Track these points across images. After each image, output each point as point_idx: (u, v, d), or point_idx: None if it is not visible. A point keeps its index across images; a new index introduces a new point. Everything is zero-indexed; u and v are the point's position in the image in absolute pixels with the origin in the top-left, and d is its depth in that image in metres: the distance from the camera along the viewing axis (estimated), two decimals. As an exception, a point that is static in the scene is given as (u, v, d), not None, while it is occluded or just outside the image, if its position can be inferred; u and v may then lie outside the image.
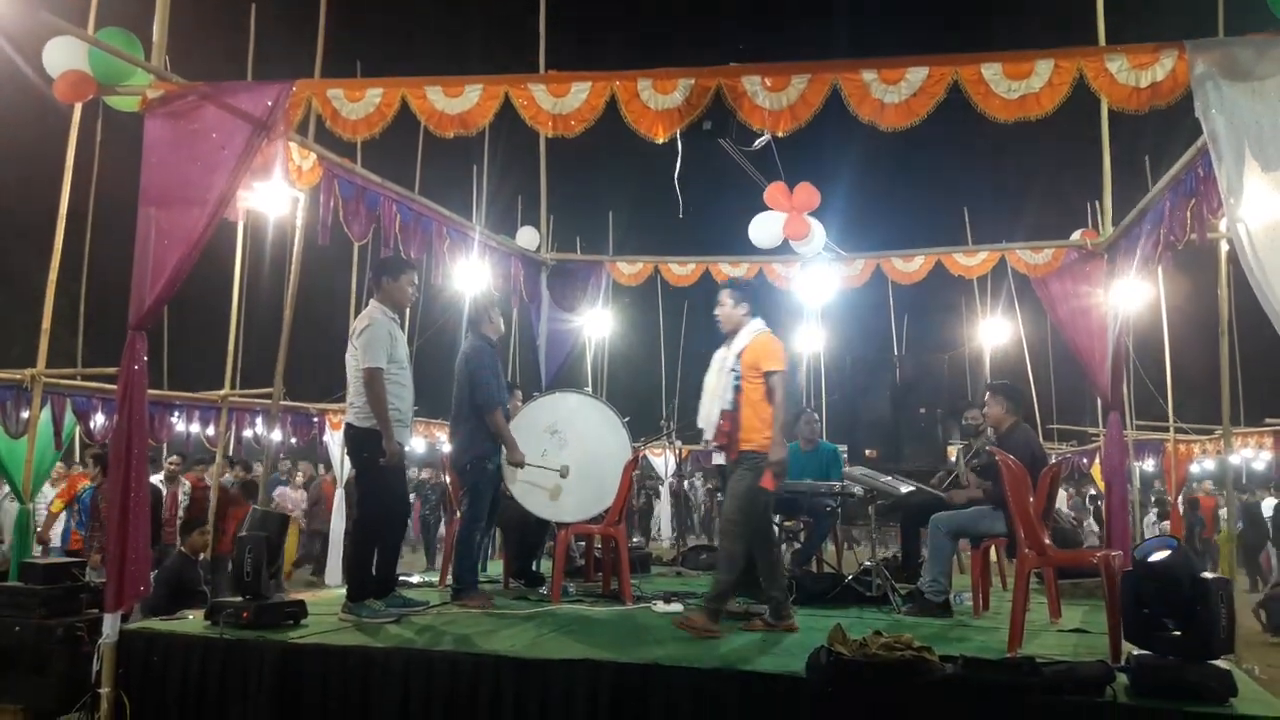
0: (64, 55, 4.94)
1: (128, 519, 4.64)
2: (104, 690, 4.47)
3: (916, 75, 4.33)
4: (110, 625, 4.56)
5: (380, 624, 5.10)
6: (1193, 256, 7.15)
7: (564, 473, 6.24)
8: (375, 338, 5.40)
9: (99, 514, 8.36)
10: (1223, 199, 4.04)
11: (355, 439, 5.48)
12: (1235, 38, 4.16)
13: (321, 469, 15.60)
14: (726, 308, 5.42)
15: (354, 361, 5.43)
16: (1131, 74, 4.15)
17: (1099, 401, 7.37)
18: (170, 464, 10.59)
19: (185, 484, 10.29)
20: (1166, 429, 11.94)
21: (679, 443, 10.64)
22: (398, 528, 5.95)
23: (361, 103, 4.84)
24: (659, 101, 4.58)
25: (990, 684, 3.74)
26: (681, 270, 8.96)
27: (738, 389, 5.16)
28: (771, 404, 5.10)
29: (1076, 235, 7.79)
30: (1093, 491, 17.41)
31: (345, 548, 5.80)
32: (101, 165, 8.84)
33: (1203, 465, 16.23)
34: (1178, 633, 3.76)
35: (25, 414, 8.79)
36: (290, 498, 13.60)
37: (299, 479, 14.69)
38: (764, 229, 7.90)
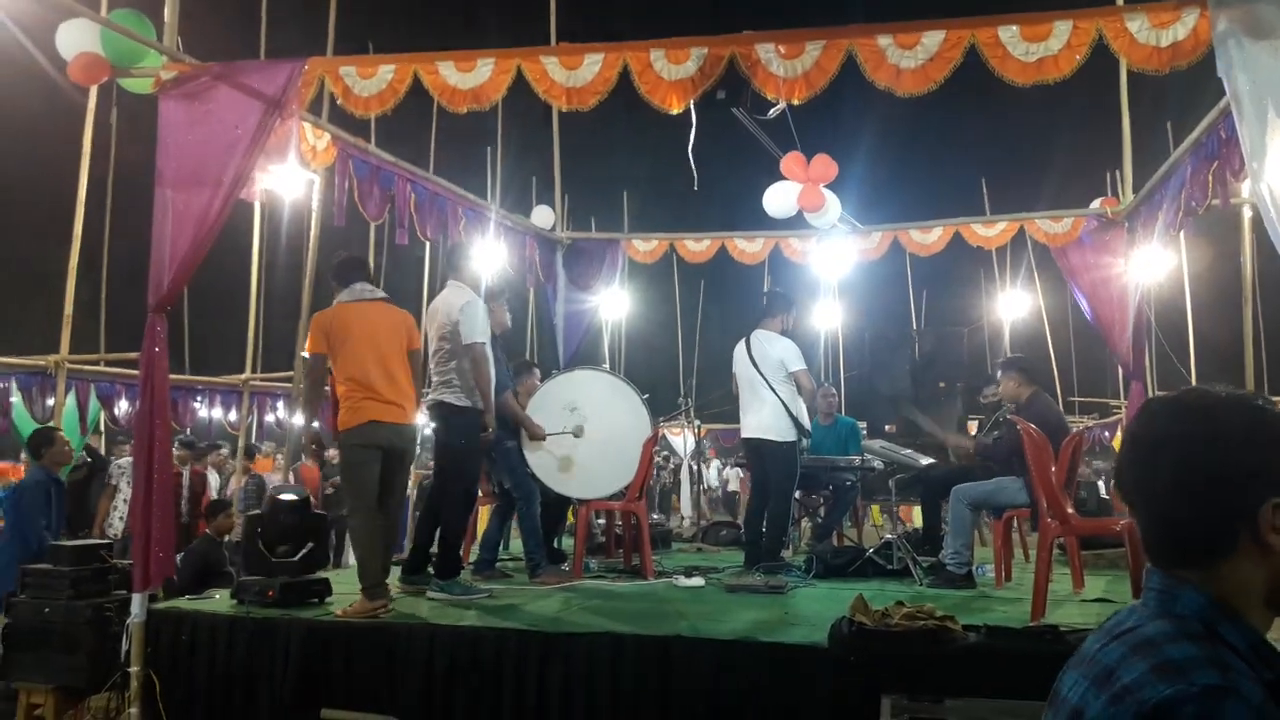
0: (77, 38, 4.97)
1: (152, 500, 4.69)
2: (133, 669, 4.53)
3: (933, 39, 4.28)
4: (138, 605, 4.62)
5: (473, 600, 5.15)
6: (1215, 222, 7.08)
7: (578, 432, 6.28)
8: (478, 313, 5.45)
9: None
10: (1245, 161, 3.98)
11: (451, 417, 5.43)
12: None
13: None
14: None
15: (445, 343, 5.41)
16: (1152, 33, 4.08)
17: (1120, 372, 7.32)
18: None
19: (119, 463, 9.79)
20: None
21: (697, 421, 10.62)
22: (471, 507, 6.05)
23: (374, 79, 4.83)
24: (672, 71, 4.54)
25: (1013, 652, 3.73)
26: (697, 247, 8.94)
27: None
28: None
29: (1096, 204, 7.70)
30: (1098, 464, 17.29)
31: (418, 528, 5.78)
32: (118, 150, 8.89)
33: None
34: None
35: (50, 400, 8.90)
36: (277, 484, 13.38)
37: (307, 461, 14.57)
38: (779, 199, 7.85)
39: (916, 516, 10.88)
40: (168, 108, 4.86)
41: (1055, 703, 1.20)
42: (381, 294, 5.31)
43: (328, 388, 5.20)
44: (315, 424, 6.27)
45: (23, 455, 8.26)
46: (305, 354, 5.71)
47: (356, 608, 4.69)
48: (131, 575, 4.73)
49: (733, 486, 19.03)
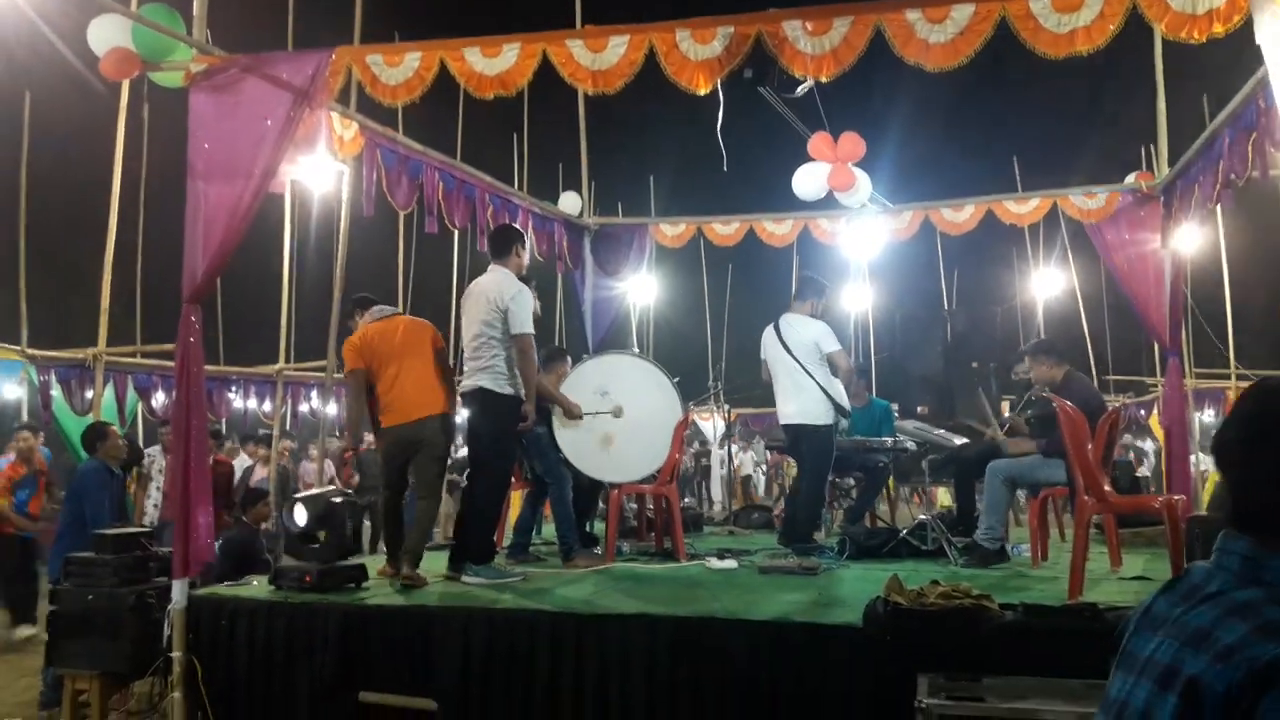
0: (108, 33, 5.01)
1: (190, 489, 4.76)
2: (175, 654, 4.60)
3: (962, 13, 4.21)
4: (179, 591, 4.68)
5: (507, 584, 5.21)
6: (1254, 195, 6.94)
7: (617, 413, 6.29)
8: (528, 303, 5.51)
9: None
10: (1285, 130, 3.90)
11: (491, 403, 5.45)
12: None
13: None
14: None
15: (488, 329, 5.44)
16: (1188, 0, 4.00)
17: (1156, 349, 7.22)
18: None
19: (152, 453, 9.57)
20: (1228, 376, 11.63)
21: (727, 406, 10.61)
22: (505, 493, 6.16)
23: (400, 67, 4.84)
24: (698, 52, 4.51)
25: (1052, 630, 3.69)
26: (725, 230, 8.90)
27: None
28: None
29: (1131, 178, 7.58)
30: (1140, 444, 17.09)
31: (460, 513, 5.84)
32: (150, 144, 8.99)
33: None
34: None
35: (89, 393, 9.05)
36: (310, 471, 13.28)
37: (313, 451, 14.22)
38: (808, 180, 7.80)
39: (943, 497, 10.83)
40: (198, 101, 4.90)
41: (1135, 665, 1.25)
42: (397, 310, 6.04)
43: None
44: (367, 437, 6.40)
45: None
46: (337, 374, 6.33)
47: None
48: (172, 562, 4.80)
49: (746, 471, 18.87)
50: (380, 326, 5.72)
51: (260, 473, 10.49)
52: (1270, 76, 3.91)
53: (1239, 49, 4.07)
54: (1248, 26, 3.93)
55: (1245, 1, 3.93)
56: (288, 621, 4.64)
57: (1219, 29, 4.00)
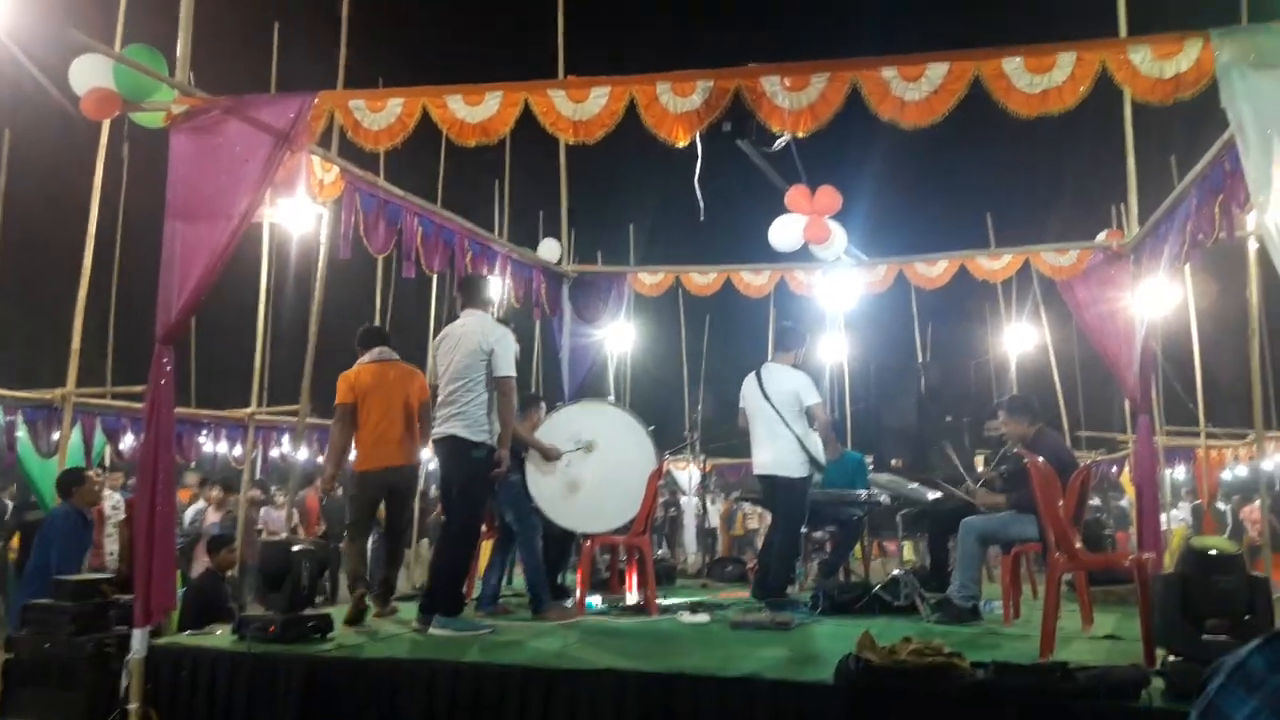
0: (90, 73, 5.01)
1: (154, 535, 4.66)
2: (132, 706, 4.46)
3: (937, 71, 4.30)
4: (139, 641, 4.57)
5: (475, 636, 5.14)
6: (1221, 255, 7.06)
7: (589, 448, 6.26)
8: (510, 347, 5.55)
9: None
10: (1250, 193, 3.98)
11: (464, 451, 5.39)
12: (1260, 24, 4.11)
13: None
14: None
15: (470, 372, 5.41)
16: (1155, 65, 4.10)
17: (1128, 406, 7.28)
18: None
19: (115, 496, 9.48)
20: (1197, 434, 11.75)
21: (703, 456, 10.57)
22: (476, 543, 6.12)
23: (383, 113, 4.86)
24: (678, 104, 4.56)
25: (1022, 689, 3.68)
26: (703, 280, 8.94)
27: None
28: None
29: (1101, 236, 7.70)
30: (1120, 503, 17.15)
31: (434, 563, 5.79)
32: (128, 183, 8.96)
33: (1235, 472, 15.96)
34: (1224, 636, 3.67)
35: (56, 434, 8.89)
36: (275, 519, 13.09)
37: (279, 499, 13.93)
38: (784, 232, 7.86)
39: (907, 550, 10.80)
40: (178, 141, 4.90)
41: None
42: (396, 355, 6.20)
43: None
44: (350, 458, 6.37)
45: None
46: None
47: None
48: (133, 610, 4.69)
49: (713, 523, 18.66)
50: (375, 369, 6.00)
51: (212, 517, 10.32)
52: (1236, 139, 4.00)
53: (1206, 108, 4.17)
54: (1213, 90, 4.03)
55: (1210, 66, 4.03)
56: (250, 672, 4.54)
57: (1185, 93, 4.11)
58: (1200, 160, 5.12)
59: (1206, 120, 4.53)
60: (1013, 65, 4.24)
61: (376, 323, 10.25)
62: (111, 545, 8.50)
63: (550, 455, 6.16)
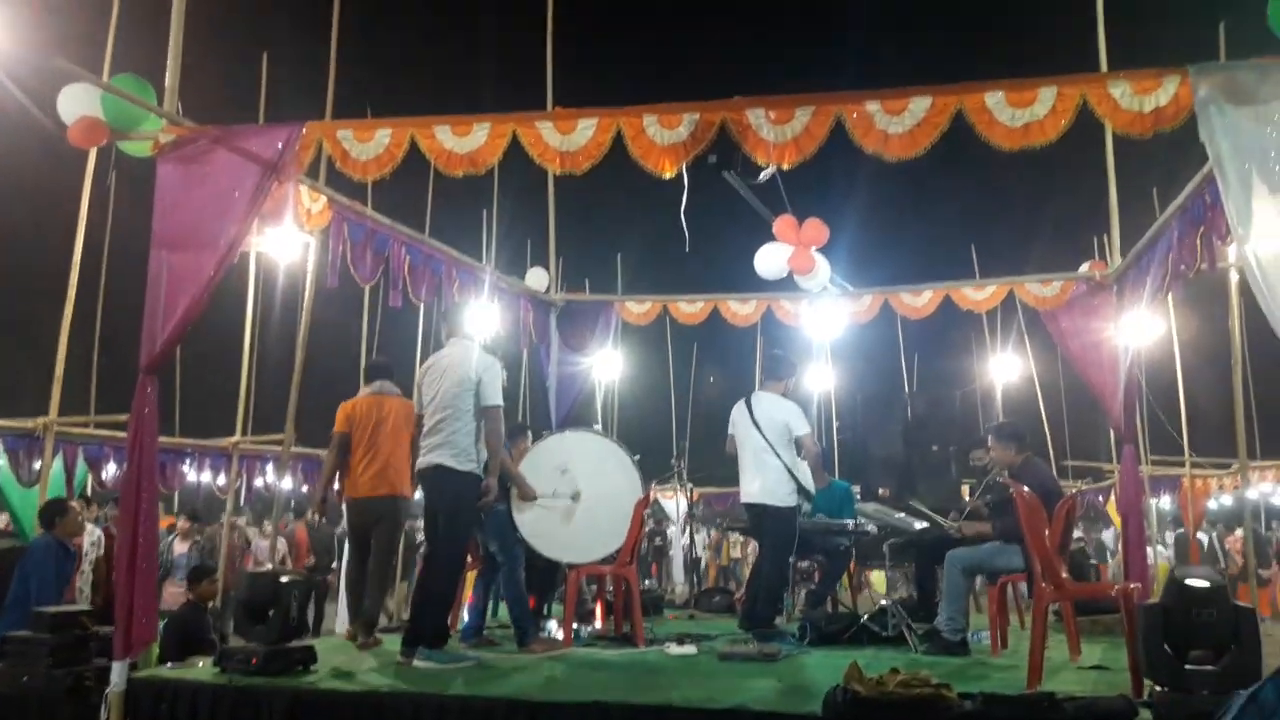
0: (78, 102, 5.03)
1: (135, 566, 4.61)
2: (110, 739, 4.41)
3: (920, 105, 4.35)
4: (119, 673, 4.51)
5: (460, 668, 5.09)
6: (1204, 287, 7.12)
7: (575, 497, 6.23)
8: (497, 375, 5.58)
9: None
10: (1230, 225, 4.03)
11: (450, 481, 5.37)
12: (1238, 61, 4.18)
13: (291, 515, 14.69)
14: None
15: (457, 401, 5.39)
16: (1135, 99, 4.16)
17: (1113, 436, 7.32)
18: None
19: (96, 532, 9.18)
20: (1182, 463, 11.80)
21: (690, 485, 10.55)
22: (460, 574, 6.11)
23: (371, 143, 4.88)
24: (665, 136, 4.60)
25: (1011, 720, 3.67)
26: (690, 309, 8.97)
27: None
28: None
29: (1085, 267, 7.77)
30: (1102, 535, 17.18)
31: (416, 596, 5.71)
32: (114, 214, 8.94)
33: (1220, 500, 16.03)
34: (1210, 666, 3.67)
35: (38, 464, 8.79)
36: (262, 548, 12.87)
37: (267, 528, 13.73)
38: (769, 260, 7.91)
39: (877, 582, 10.78)
40: (165, 170, 4.90)
41: None
42: (396, 390, 6.36)
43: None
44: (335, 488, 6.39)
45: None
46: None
47: None
48: (112, 642, 4.63)
49: (698, 553, 18.56)
50: (372, 400, 6.21)
51: (179, 548, 10.22)
52: (1215, 173, 4.06)
53: (1187, 140, 4.24)
54: (1193, 121, 4.10)
55: (1188, 100, 4.10)
56: (232, 705, 4.48)
57: (1165, 127, 4.17)
58: (1181, 193, 5.19)
59: (1187, 151, 4.59)
60: (995, 99, 4.30)
61: (365, 354, 10.25)
62: (83, 583, 8.39)
63: (526, 495, 6.12)
